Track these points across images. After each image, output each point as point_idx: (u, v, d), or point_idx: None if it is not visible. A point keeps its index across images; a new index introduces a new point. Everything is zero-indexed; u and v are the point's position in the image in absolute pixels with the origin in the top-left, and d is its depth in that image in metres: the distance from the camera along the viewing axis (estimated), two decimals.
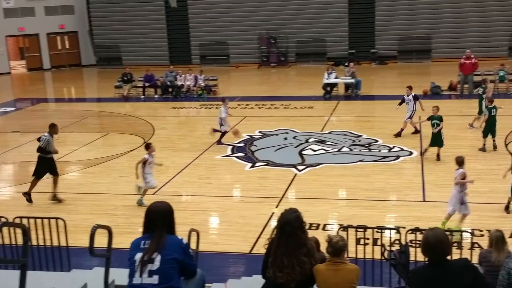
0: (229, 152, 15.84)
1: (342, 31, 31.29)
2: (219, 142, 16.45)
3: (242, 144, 16.47)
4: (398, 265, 6.35)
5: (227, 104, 16.99)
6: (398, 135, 16.45)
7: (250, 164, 14.69)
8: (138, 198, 11.87)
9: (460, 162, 10.29)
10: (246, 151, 15.84)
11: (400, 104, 17.15)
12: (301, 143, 16.31)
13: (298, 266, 4.95)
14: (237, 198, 12.74)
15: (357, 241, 8.66)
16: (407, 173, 13.58)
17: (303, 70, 30.65)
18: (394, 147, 15.51)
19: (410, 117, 16.56)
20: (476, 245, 9.04)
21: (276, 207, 11.53)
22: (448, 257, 4.59)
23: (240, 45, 32.56)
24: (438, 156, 14.16)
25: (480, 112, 16.54)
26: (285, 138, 16.98)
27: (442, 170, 13.50)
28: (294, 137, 17.02)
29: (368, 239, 8.65)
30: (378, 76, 27.84)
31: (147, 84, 25.35)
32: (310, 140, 16.66)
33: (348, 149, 15.62)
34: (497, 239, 6.77)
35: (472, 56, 21.41)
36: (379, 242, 9.13)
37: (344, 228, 8.27)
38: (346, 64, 24.62)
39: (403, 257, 6.27)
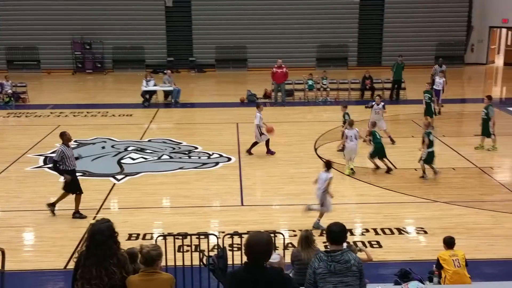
0: (41, 163, 14.87)
1: (160, 38, 31.16)
2: (269, 152, 15.50)
3: (55, 155, 15.52)
4: (217, 269, 6.41)
5: (262, 110, 15.73)
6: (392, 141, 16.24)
7: None
8: None
9: (328, 165, 10.92)
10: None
11: (368, 107, 17.50)
12: (120, 152, 15.88)
13: (107, 276, 4.76)
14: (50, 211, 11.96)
15: (178, 249, 8.61)
16: (226, 178, 13.86)
17: (121, 77, 29.95)
18: (213, 153, 15.75)
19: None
20: (290, 245, 9.49)
21: (94, 218, 11.03)
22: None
23: (52, 50, 30.83)
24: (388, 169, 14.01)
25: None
26: (103, 147, 16.39)
27: (258, 175, 14.02)
28: (112, 146, 16.51)
29: (188, 246, 8.64)
30: (197, 84, 28.18)
31: None
32: (129, 148, 16.29)
33: (168, 157, 15.54)
34: (303, 239, 7.17)
35: (283, 65, 22.59)
36: (200, 248, 9.15)
37: (164, 236, 8.15)
38: (165, 72, 24.55)
39: (221, 261, 6.36)
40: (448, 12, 31.04)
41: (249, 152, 15.50)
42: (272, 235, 8.68)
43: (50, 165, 11.29)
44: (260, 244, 4.69)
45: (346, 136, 13.87)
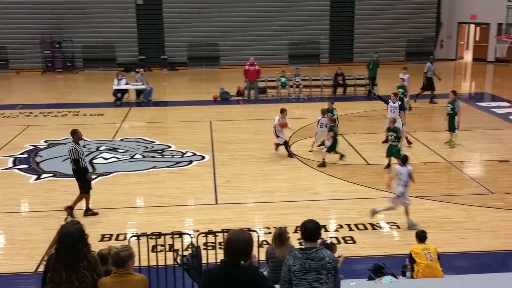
0: (10, 164, 14.63)
1: (132, 36, 30.89)
2: (290, 155, 15.10)
3: (25, 155, 15.33)
4: (191, 269, 6.38)
5: (286, 116, 15.29)
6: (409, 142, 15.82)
7: (35, 176, 13.73)
8: None
9: (405, 160, 10.77)
10: (30, 163, 14.77)
11: (381, 99, 17.20)
12: (92, 152, 15.70)
13: (77, 280, 4.69)
14: (20, 213, 11.80)
15: (152, 249, 8.55)
16: (200, 177, 13.80)
17: (92, 76, 29.61)
18: (186, 152, 15.68)
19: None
20: (265, 243, 9.50)
21: (65, 220, 10.89)
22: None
23: (21, 49, 30.33)
24: (389, 165, 13.96)
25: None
26: None
27: (232, 172, 14.00)
28: (84, 146, 16.25)
29: (162, 245, 8.58)
30: (169, 82, 28.01)
31: None
32: (101, 148, 16.13)
33: (141, 156, 15.41)
34: (277, 236, 7.18)
35: (255, 63, 22.58)
36: (174, 248, 9.10)
37: (137, 236, 8.09)
38: (137, 70, 24.34)
39: (195, 261, 6.32)
40: (417, 9, 31.40)
41: (290, 154, 15.13)
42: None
43: (72, 167, 11.14)
44: (239, 242, 4.66)
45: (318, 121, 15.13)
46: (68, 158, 11.31)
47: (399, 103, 16.07)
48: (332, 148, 14.52)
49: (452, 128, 15.84)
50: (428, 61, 22.51)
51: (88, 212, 11.34)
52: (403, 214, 10.65)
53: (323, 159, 14.31)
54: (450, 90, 16.54)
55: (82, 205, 11.38)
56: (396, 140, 13.83)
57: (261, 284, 4.74)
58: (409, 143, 15.76)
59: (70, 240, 4.73)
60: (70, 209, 11.18)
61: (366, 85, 23.45)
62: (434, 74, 21.72)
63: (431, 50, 32.17)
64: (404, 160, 10.78)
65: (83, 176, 11.19)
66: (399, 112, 15.81)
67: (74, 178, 11.31)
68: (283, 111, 15.24)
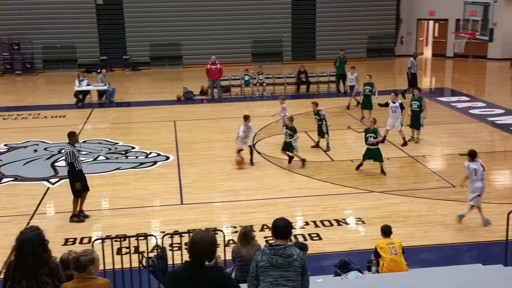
0: None
1: (92, 37, 30.45)
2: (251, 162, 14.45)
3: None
4: (157, 271, 6.32)
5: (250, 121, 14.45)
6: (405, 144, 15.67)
7: None
8: None
9: (473, 155, 10.38)
10: None
11: (382, 105, 16.60)
12: (54, 155, 15.41)
13: (38, 287, 4.59)
14: None
15: (117, 251, 8.44)
16: (165, 177, 13.70)
17: (52, 78, 29.07)
18: (151, 152, 15.54)
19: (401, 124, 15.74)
20: (231, 242, 9.48)
21: (27, 224, 10.66)
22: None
23: None
24: (382, 170, 13.44)
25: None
26: (35, 150, 15.88)
27: (197, 172, 13.93)
28: (45, 149, 16.01)
29: (127, 248, 8.48)
30: (132, 82, 27.72)
31: None
32: (63, 150, 15.82)
33: (104, 158, 15.21)
34: (242, 235, 7.18)
35: (217, 62, 22.53)
36: (139, 250, 9.00)
37: (102, 239, 7.98)
38: (99, 70, 24.00)
39: (161, 262, 6.27)
40: (378, 6, 31.80)
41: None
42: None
43: (68, 169, 11.02)
44: (203, 242, 4.64)
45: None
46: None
47: (399, 101, 15.87)
48: (286, 148, 14.05)
49: (417, 125, 15.94)
50: (412, 57, 22.49)
51: (76, 217, 11.12)
52: (475, 212, 10.43)
53: (302, 159, 13.97)
54: (414, 86, 16.74)
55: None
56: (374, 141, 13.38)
57: (226, 285, 4.72)
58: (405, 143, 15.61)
59: (29, 246, 4.63)
60: (75, 217, 11.04)
61: (329, 82, 23.60)
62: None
63: (392, 47, 32.66)
64: (473, 155, 10.36)
65: (75, 179, 10.99)
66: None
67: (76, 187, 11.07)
68: (246, 118, 14.33)
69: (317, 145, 15.67)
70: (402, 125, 15.69)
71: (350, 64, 22.05)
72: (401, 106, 15.72)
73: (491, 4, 21.37)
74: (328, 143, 15.49)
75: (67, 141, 11.18)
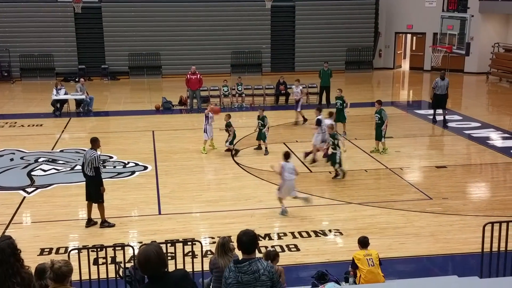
0: None
1: (70, 46, 30.22)
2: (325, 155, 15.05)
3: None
4: (134, 281, 6.27)
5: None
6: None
7: None
8: None
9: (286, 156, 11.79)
10: None
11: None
12: (30, 164, 15.24)
13: None
14: None
15: (93, 262, 8.37)
16: (143, 188, 13.62)
17: (29, 86, 28.78)
18: (129, 162, 15.45)
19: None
20: (209, 253, 9.46)
21: (3, 233, 10.52)
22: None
23: None
24: (337, 174, 14.07)
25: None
26: (11, 159, 15.69)
27: (175, 182, 13.88)
28: (21, 158, 15.83)
29: (104, 258, 8.40)
30: (111, 92, 27.55)
31: None
32: (40, 159, 15.68)
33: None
34: (220, 246, 7.17)
35: (197, 72, 22.54)
36: (116, 260, 8.93)
37: (78, 249, 7.90)
38: (77, 80, 23.83)
39: (138, 273, 6.22)
40: (356, 19, 32.12)
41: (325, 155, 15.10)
42: (189, 243, 8.64)
43: (91, 174, 11.18)
44: (150, 259, 4.41)
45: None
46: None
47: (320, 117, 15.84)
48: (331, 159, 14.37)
49: (379, 136, 16.15)
50: (439, 77, 20.31)
51: (91, 222, 11.29)
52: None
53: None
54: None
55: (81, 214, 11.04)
56: (334, 147, 14.01)
57: (186, 281, 4.57)
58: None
59: (1, 256, 4.58)
60: (105, 223, 11.19)
61: (308, 93, 23.69)
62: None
63: (370, 60, 32.98)
64: (287, 156, 11.68)
65: (101, 183, 11.25)
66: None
67: (85, 186, 11.38)
68: (320, 124, 15.47)
69: (259, 147, 16.44)
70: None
71: (335, 76, 22.10)
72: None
73: (468, 19, 21.66)
74: (266, 147, 16.15)
75: (90, 147, 11.31)
